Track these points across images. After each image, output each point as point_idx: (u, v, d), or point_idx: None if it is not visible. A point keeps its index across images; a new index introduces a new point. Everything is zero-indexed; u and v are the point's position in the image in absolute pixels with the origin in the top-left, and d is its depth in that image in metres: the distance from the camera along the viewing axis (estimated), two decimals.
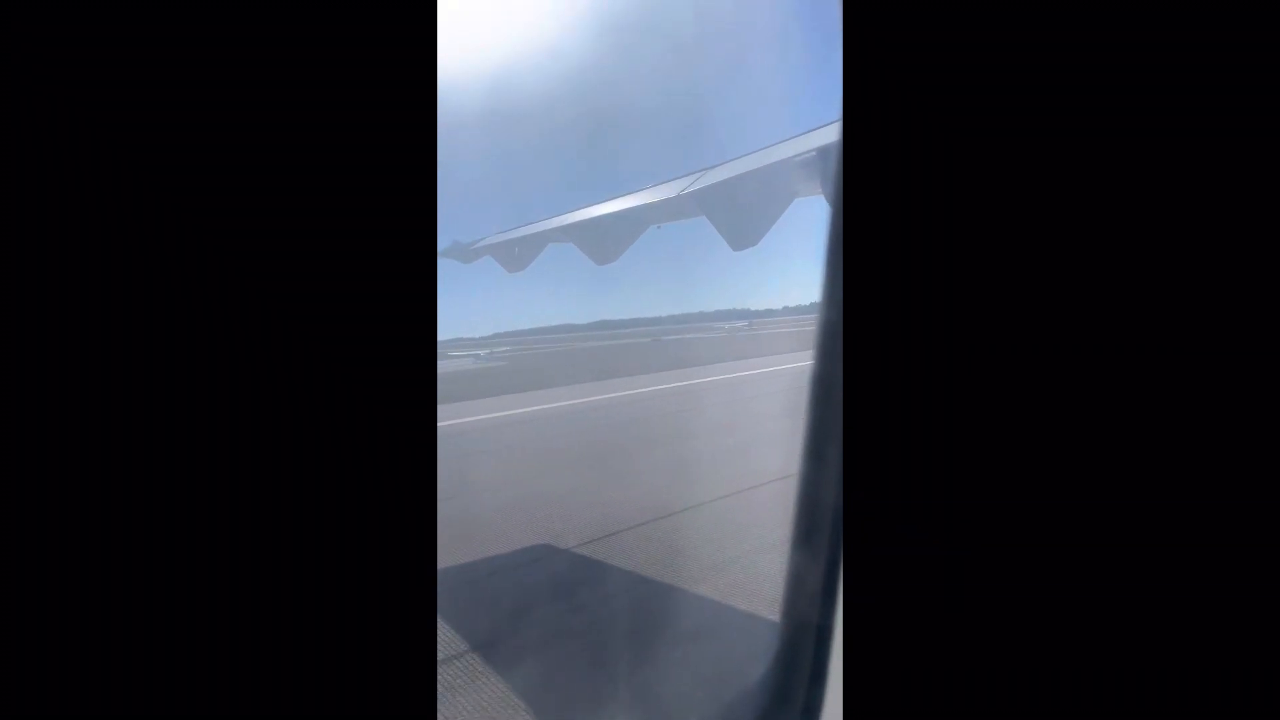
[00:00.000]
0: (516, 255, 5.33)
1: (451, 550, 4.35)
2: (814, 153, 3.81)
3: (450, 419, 10.27)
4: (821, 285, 1.05)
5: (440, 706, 2.57)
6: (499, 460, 7.80)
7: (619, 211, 4.79)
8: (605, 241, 4.77)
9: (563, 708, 2.67)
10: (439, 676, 2.86)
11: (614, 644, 3.08)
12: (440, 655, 3.01)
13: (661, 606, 3.49)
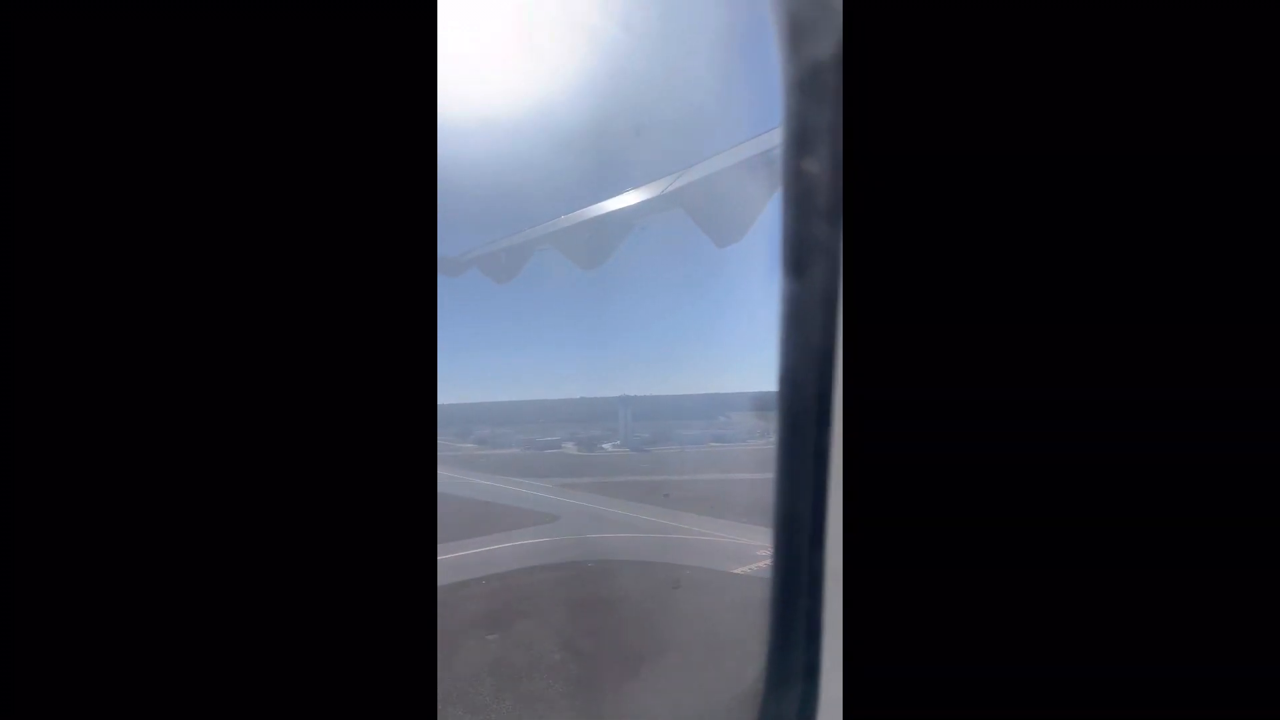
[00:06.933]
0: (504, 265, 5.34)
1: None
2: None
3: None
4: (780, 281, 1.05)
5: None
6: None
7: (602, 215, 4.79)
8: (590, 246, 4.78)
9: None
10: None
11: None
12: None
13: None
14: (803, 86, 0.93)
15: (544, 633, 7.24)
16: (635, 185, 4.60)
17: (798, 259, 1.02)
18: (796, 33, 0.92)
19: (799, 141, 0.98)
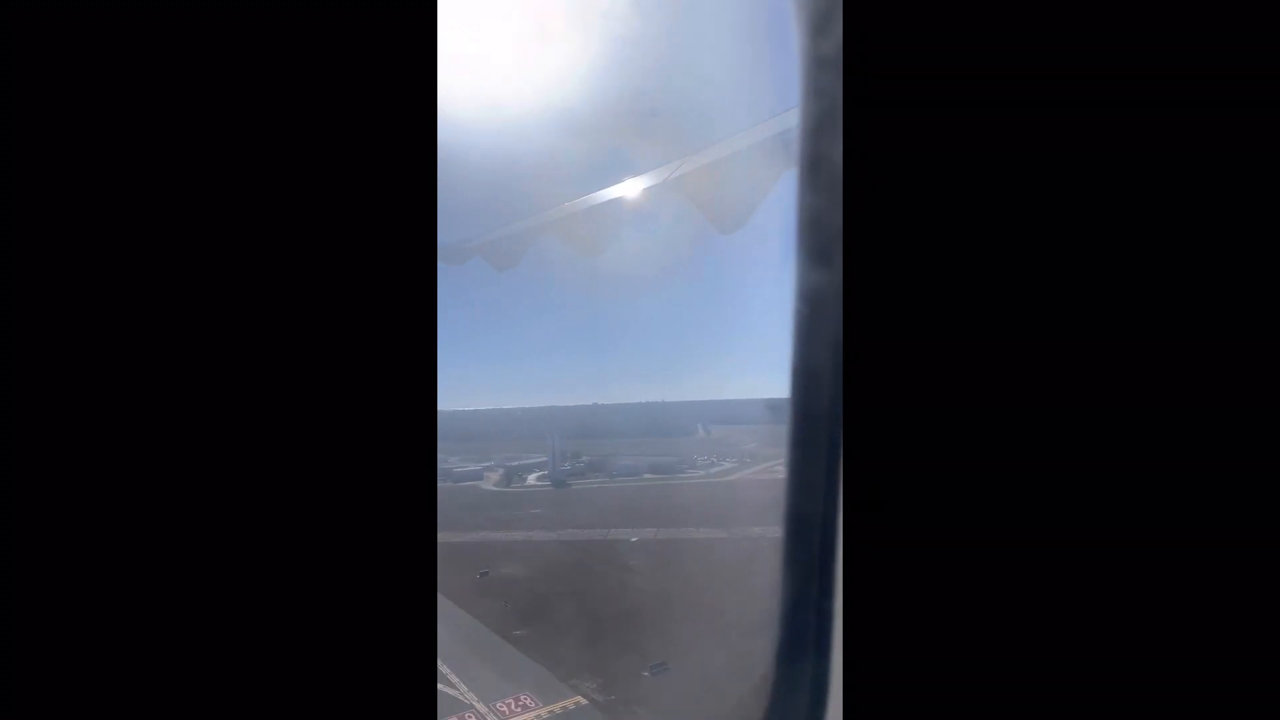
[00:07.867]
0: (505, 252, 5.33)
1: None
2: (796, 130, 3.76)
3: None
4: (794, 271, 1.04)
5: None
6: None
7: (605, 203, 4.77)
8: (592, 233, 4.76)
9: None
10: None
11: None
12: None
13: None
14: (826, 65, 0.91)
15: None
16: (639, 173, 4.58)
17: (817, 246, 1.01)
18: (821, 12, 0.90)
19: (820, 122, 0.97)
